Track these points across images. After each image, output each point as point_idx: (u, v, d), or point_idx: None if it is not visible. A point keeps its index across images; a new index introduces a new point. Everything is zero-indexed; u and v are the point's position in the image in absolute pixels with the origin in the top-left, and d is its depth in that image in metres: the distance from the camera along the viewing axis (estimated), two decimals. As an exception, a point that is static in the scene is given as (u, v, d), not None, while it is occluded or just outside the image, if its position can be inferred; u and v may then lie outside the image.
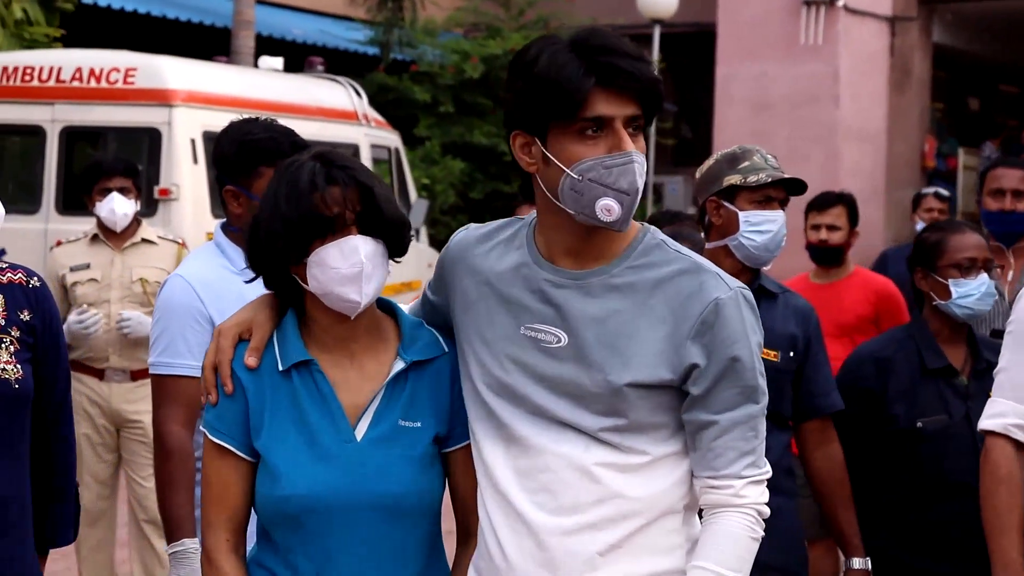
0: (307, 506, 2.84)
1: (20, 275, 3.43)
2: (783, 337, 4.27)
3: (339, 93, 13.06)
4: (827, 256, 6.72)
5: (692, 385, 2.72)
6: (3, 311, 3.35)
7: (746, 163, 4.26)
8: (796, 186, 4.28)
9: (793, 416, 4.34)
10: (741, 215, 4.23)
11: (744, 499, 2.72)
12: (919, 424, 4.38)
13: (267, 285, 2.97)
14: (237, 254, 4.02)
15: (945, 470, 4.33)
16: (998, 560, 3.70)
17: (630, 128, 2.72)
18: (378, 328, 2.96)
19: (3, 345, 3.32)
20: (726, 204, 4.26)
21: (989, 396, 3.79)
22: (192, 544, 3.91)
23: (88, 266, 6.68)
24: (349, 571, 2.87)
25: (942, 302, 4.41)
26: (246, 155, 4.00)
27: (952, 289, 4.39)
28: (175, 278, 4.05)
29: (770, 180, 4.22)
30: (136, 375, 6.64)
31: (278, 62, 13.06)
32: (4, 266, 3.44)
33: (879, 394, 4.47)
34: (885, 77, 22.85)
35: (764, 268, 4.38)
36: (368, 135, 13.19)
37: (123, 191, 6.69)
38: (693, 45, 23.04)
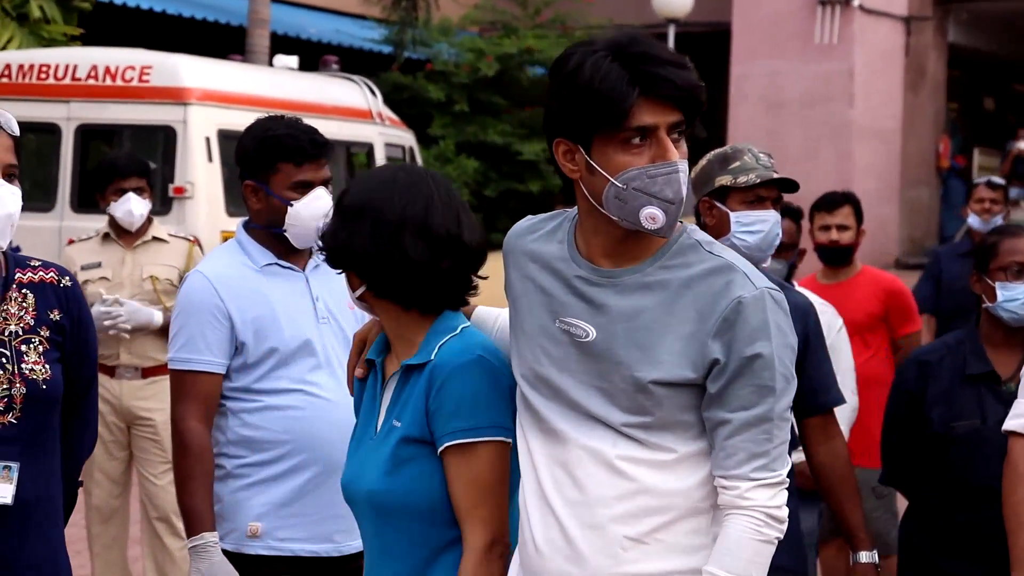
0: (345, 495, 3.11)
1: (52, 274, 3.44)
2: None
3: (354, 92, 13.07)
4: (837, 256, 6.73)
5: (711, 382, 2.73)
6: (33, 311, 3.36)
7: (737, 163, 4.26)
8: (788, 185, 4.27)
9: (796, 412, 4.35)
10: (732, 215, 4.23)
11: (751, 501, 2.71)
12: (952, 428, 4.38)
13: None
14: (258, 251, 4.14)
15: (975, 475, 4.32)
16: (1016, 557, 3.73)
17: (673, 134, 2.75)
18: (413, 333, 3.04)
19: (32, 345, 3.33)
20: (718, 204, 4.26)
21: None
22: (212, 537, 3.97)
23: (99, 265, 6.70)
24: (367, 560, 3.08)
25: (991, 305, 4.41)
26: (266, 151, 4.08)
27: (999, 292, 4.38)
28: (195, 275, 4.12)
29: (759, 180, 4.21)
30: (147, 372, 6.66)
31: (293, 61, 13.08)
32: (37, 264, 3.45)
33: (918, 397, 4.48)
34: (900, 76, 22.82)
35: (763, 265, 4.37)
36: (383, 134, 13.21)
37: (138, 191, 6.71)
38: (708, 44, 23.01)
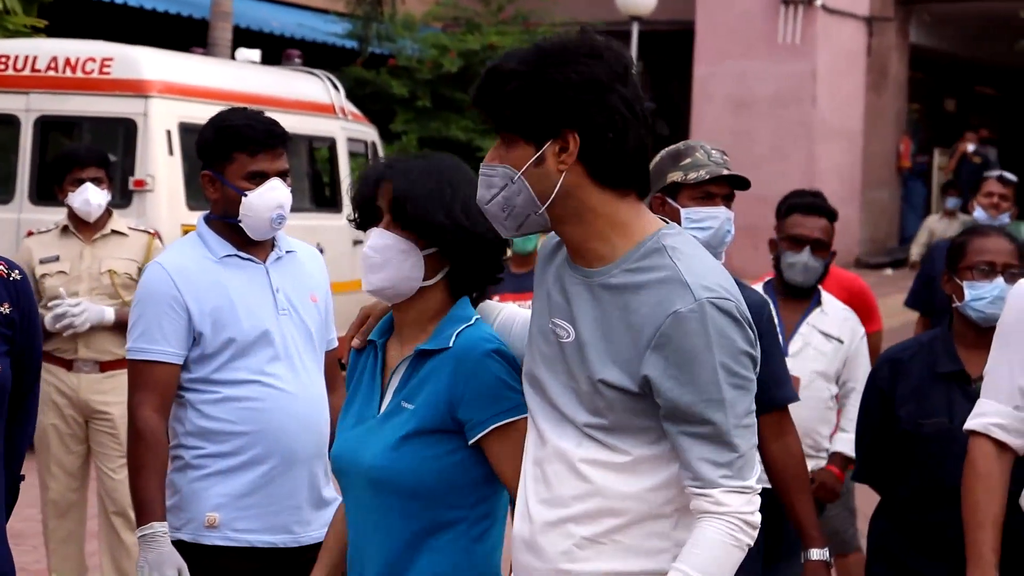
0: (335, 466, 3.18)
1: (1, 267, 3.38)
2: None
3: (316, 86, 13.02)
4: None
5: (657, 397, 2.72)
6: None
7: (688, 160, 4.25)
8: (740, 182, 4.27)
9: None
10: (683, 212, 4.22)
11: (725, 507, 2.69)
12: (920, 426, 4.38)
13: None
14: (217, 242, 4.16)
15: (942, 474, 4.31)
16: (972, 555, 3.76)
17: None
18: (429, 319, 3.10)
19: None
20: (669, 201, 4.25)
21: None
22: (161, 527, 3.97)
23: (57, 258, 6.64)
24: (352, 532, 3.17)
25: (959, 304, 4.41)
26: (222, 140, 4.13)
27: (966, 291, 4.37)
28: (154, 266, 4.16)
29: (708, 177, 4.20)
30: (105, 367, 6.61)
31: (255, 54, 13.02)
32: None
33: (888, 395, 4.48)
34: (862, 77, 22.92)
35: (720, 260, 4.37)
36: (345, 129, 13.16)
37: (96, 181, 6.66)
38: (671, 43, 23.06)
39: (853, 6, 22.35)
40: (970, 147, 23.79)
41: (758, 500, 2.75)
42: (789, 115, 21.47)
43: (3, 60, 10.82)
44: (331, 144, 12.99)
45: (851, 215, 21.24)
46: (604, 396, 2.74)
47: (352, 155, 13.30)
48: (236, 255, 4.17)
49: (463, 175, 3.11)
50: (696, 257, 2.78)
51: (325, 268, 4.42)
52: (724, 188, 4.26)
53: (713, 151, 4.28)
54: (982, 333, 4.36)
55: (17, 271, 3.39)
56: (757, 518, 2.74)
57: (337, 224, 12.41)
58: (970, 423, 3.86)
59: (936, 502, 4.35)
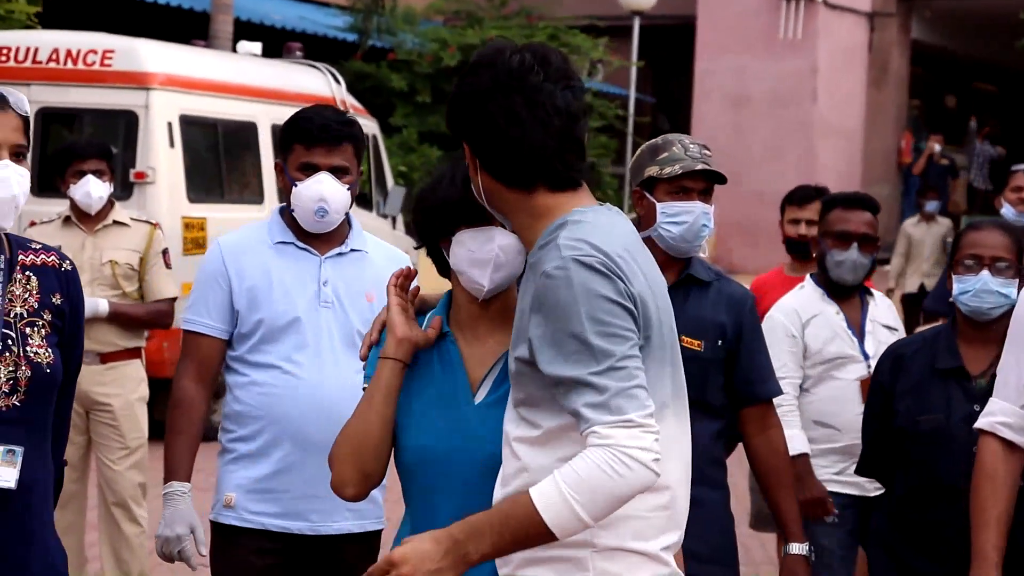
0: (423, 456, 3.11)
1: (53, 257, 3.43)
2: (712, 326, 4.26)
3: (317, 79, 13.03)
4: (805, 250, 6.72)
5: (536, 354, 2.78)
6: (37, 294, 3.34)
7: (665, 154, 4.27)
8: (717, 176, 4.27)
9: (732, 403, 4.35)
10: (659, 206, 4.23)
11: (608, 439, 2.69)
12: (917, 422, 4.37)
13: (428, 254, 3.24)
14: (279, 229, 4.29)
15: (938, 472, 4.30)
16: (975, 553, 3.77)
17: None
18: (510, 314, 3.09)
19: (36, 328, 3.31)
20: (647, 195, 4.27)
21: None
22: (180, 487, 4.18)
23: (59, 249, 6.65)
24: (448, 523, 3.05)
25: (953, 299, 4.40)
26: (286, 131, 4.28)
27: (955, 285, 4.36)
28: (213, 243, 4.36)
29: (682, 172, 4.20)
30: (106, 358, 6.62)
31: (256, 47, 13.02)
32: (38, 247, 3.43)
33: (888, 389, 4.47)
34: (863, 73, 22.92)
35: (697, 255, 4.36)
36: (346, 122, 13.16)
37: (97, 173, 6.67)
38: (673, 38, 23.06)
39: (854, 2, 22.35)
40: (936, 148, 23.68)
41: (650, 439, 2.71)
42: (789, 111, 21.47)
43: (4, 52, 10.83)
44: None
45: (851, 211, 21.22)
46: (521, 372, 2.83)
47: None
48: (293, 243, 4.26)
49: None
50: (592, 225, 2.84)
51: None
52: (700, 183, 4.26)
53: (692, 145, 4.29)
54: (980, 328, 4.36)
55: (68, 262, 3.45)
56: (647, 456, 2.69)
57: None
58: (979, 422, 3.86)
59: (933, 500, 4.33)
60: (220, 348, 4.25)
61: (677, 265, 4.28)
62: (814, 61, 21.51)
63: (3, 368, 3.21)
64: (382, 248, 4.39)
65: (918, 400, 4.39)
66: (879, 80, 23.14)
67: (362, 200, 13.37)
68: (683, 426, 2.94)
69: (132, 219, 6.85)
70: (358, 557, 4.18)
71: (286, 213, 4.29)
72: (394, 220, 13.77)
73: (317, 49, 17.18)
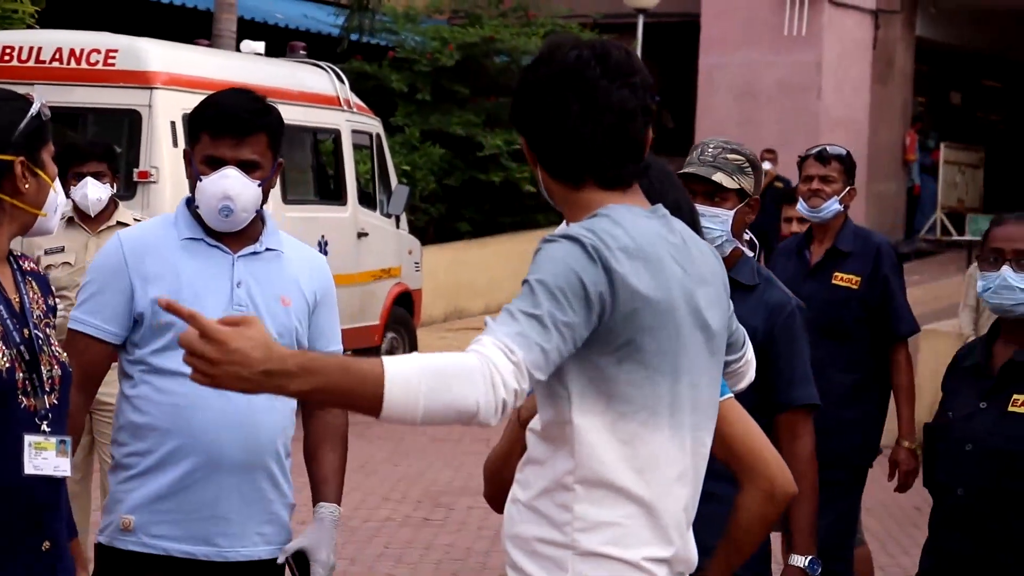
0: None
1: (31, 263, 3.46)
2: (745, 330, 4.24)
3: (321, 78, 13.02)
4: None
5: None
6: (41, 297, 3.38)
7: (689, 157, 4.32)
8: (712, 178, 4.27)
9: (765, 409, 4.31)
10: None
11: (485, 352, 2.61)
12: (937, 419, 4.33)
13: None
14: (187, 224, 3.86)
15: (933, 471, 4.28)
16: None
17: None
18: None
19: (51, 329, 3.38)
20: None
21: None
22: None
23: (62, 249, 6.65)
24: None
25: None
26: (193, 118, 3.89)
27: (978, 282, 4.28)
28: (114, 238, 3.92)
29: (680, 173, 4.21)
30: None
31: (260, 46, 13.02)
32: (19, 253, 3.41)
33: (941, 389, 4.42)
34: (868, 69, 22.88)
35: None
36: (350, 121, 13.15)
37: (97, 175, 6.66)
38: (677, 35, 23.03)
39: (859, -2, 22.30)
40: (767, 165, 22.38)
41: (517, 384, 2.63)
42: (794, 107, 21.45)
43: (8, 51, 10.82)
44: (336, 136, 12.98)
45: (856, 208, 21.22)
46: None
47: (356, 147, 13.30)
48: (203, 240, 3.82)
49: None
50: (611, 220, 2.81)
51: (323, 274, 4.01)
52: (701, 185, 4.26)
53: (710, 148, 4.29)
54: (1008, 325, 4.23)
55: (42, 267, 3.49)
56: (504, 391, 2.60)
57: (341, 216, 12.41)
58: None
59: (936, 501, 4.29)
60: (109, 355, 3.83)
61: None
62: (819, 57, 21.49)
63: (44, 369, 3.26)
64: (299, 249, 3.97)
65: (945, 397, 4.33)
66: (884, 76, 23.11)
67: (366, 199, 13.37)
68: (680, 441, 2.84)
69: (135, 220, 6.84)
70: None
71: (192, 205, 3.84)
72: (397, 219, 13.76)
73: (321, 48, 17.18)
